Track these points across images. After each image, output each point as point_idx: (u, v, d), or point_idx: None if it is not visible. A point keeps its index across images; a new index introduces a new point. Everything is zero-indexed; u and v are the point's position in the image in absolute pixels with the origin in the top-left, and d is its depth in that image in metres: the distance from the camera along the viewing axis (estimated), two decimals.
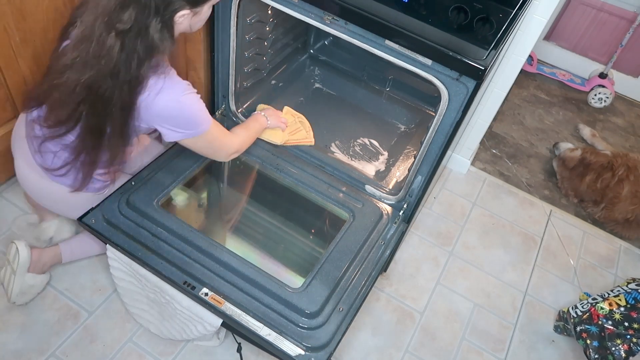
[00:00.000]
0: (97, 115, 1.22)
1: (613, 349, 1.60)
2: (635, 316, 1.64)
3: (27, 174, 1.44)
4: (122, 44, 1.13)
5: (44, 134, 1.32)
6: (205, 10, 1.25)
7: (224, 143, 1.46)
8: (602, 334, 1.63)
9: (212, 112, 1.83)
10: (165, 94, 1.22)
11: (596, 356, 1.63)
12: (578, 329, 1.68)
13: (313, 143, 1.78)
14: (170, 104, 1.24)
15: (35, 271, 1.54)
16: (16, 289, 1.51)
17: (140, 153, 1.65)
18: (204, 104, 1.32)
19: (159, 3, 1.12)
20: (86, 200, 1.45)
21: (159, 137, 1.88)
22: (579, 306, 1.74)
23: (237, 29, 1.56)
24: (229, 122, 1.79)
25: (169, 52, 1.21)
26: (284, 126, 1.74)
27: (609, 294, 1.74)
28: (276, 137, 1.71)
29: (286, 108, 1.84)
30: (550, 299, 1.93)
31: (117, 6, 1.11)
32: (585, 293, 1.94)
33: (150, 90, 1.20)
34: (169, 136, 1.31)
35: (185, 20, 1.20)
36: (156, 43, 1.15)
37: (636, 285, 1.77)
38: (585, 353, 1.66)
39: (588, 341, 1.65)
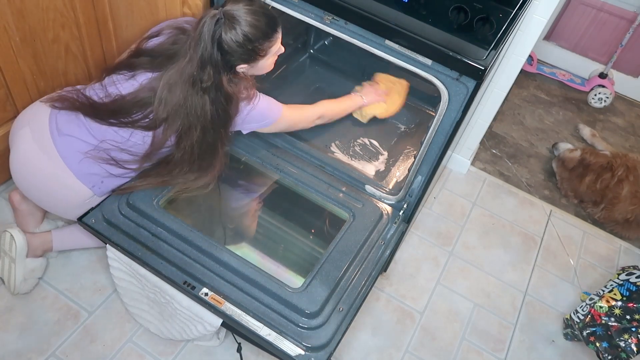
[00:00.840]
0: (207, 147, 1.45)
1: (623, 345, 1.59)
2: (634, 307, 1.63)
3: (36, 158, 1.41)
4: (210, 99, 1.35)
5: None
6: (262, 63, 1.41)
7: (301, 119, 1.65)
8: (609, 332, 1.62)
9: None
10: (252, 109, 1.47)
11: (609, 357, 1.62)
12: (585, 333, 1.68)
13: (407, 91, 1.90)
14: (253, 112, 1.48)
15: (32, 255, 1.56)
16: (19, 276, 1.52)
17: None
18: (271, 99, 1.53)
19: (224, 62, 1.33)
20: (89, 201, 1.46)
21: None
22: (579, 310, 1.73)
23: None
24: None
25: (244, 88, 1.44)
26: (384, 99, 1.87)
27: (603, 291, 1.74)
28: (382, 111, 1.85)
29: (379, 75, 1.93)
30: (550, 299, 1.93)
31: (198, 69, 1.32)
32: (585, 293, 1.94)
33: (241, 113, 1.46)
34: (246, 129, 1.53)
35: (245, 70, 1.41)
36: (231, 91, 1.38)
37: (626, 275, 1.76)
38: (598, 356, 1.66)
39: (597, 344, 1.64)
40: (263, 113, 1.51)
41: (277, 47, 1.42)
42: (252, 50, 1.34)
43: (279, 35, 1.39)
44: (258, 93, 1.48)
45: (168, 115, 1.37)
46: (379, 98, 1.87)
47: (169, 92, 1.35)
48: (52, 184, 1.43)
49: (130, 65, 1.44)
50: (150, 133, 1.40)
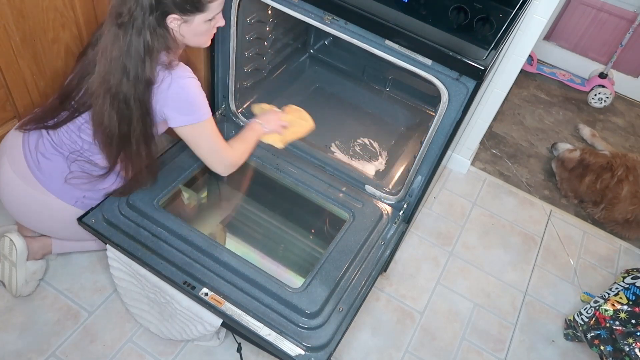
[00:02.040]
0: (122, 117, 1.29)
1: (627, 349, 1.58)
2: (639, 312, 1.63)
3: (19, 188, 1.44)
4: (125, 39, 1.20)
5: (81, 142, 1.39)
6: (197, 24, 1.28)
7: (223, 147, 1.43)
8: (613, 335, 1.62)
9: (213, 112, 1.83)
10: (174, 82, 1.28)
11: None
12: (589, 336, 1.67)
13: (313, 127, 1.71)
14: (176, 87, 1.29)
15: (32, 258, 1.56)
16: (20, 279, 1.52)
17: None
18: (204, 94, 1.35)
19: (155, 3, 1.19)
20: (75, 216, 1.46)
21: None
22: (584, 312, 1.73)
23: (237, 29, 1.56)
24: (229, 122, 1.79)
25: (171, 51, 1.28)
26: (281, 130, 1.66)
27: (608, 294, 1.74)
28: (276, 141, 1.67)
29: (290, 107, 1.79)
30: (550, 299, 1.93)
31: (119, 2, 1.19)
32: (585, 293, 1.94)
33: (161, 83, 1.27)
34: (173, 121, 1.34)
35: (176, 25, 1.26)
36: (152, 43, 1.22)
37: (632, 278, 1.76)
38: None
39: (602, 347, 1.64)
40: (188, 99, 1.31)
41: (218, 8, 1.29)
42: None
43: None
44: (183, 67, 1.31)
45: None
46: (277, 128, 1.64)
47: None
48: (37, 208, 1.46)
49: (87, 45, 1.41)
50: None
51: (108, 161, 1.38)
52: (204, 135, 1.38)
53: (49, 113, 1.41)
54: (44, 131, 1.42)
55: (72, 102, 1.38)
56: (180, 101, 1.31)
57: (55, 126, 1.40)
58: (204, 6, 1.25)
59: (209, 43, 1.38)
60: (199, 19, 1.27)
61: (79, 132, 1.39)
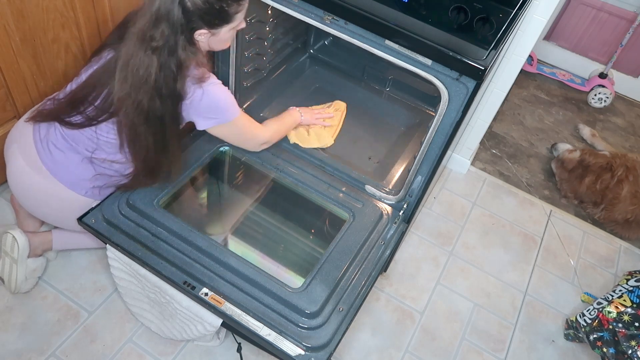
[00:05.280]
0: (156, 132, 1.33)
1: (630, 352, 1.58)
2: None
3: (29, 176, 1.44)
4: (159, 62, 1.23)
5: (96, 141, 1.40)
6: (224, 33, 1.32)
7: (254, 133, 1.56)
8: (616, 338, 1.61)
9: None
10: (206, 94, 1.34)
11: None
12: (591, 337, 1.67)
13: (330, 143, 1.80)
14: (207, 96, 1.34)
15: (33, 255, 1.56)
16: (20, 276, 1.52)
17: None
18: (232, 95, 1.42)
19: (183, 22, 1.22)
20: (85, 206, 1.46)
21: None
22: (586, 313, 1.72)
23: None
24: None
25: (197, 64, 1.31)
26: (320, 122, 1.81)
27: (612, 296, 1.73)
28: (303, 140, 1.75)
29: (337, 104, 1.92)
30: (550, 299, 1.93)
31: (151, 24, 1.21)
32: (585, 293, 1.94)
33: (192, 95, 1.32)
34: (201, 124, 1.41)
35: (204, 38, 1.30)
36: (183, 58, 1.25)
37: (635, 281, 1.76)
38: None
39: (604, 349, 1.63)
40: (219, 105, 1.39)
41: (242, 16, 1.33)
42: (218, 12, 1.24)
43: (247, 3, 1.32)
44: (212, 77, 1.36)
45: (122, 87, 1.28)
46: (314, 120, 1.79)
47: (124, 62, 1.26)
48: (46, 198, 1.45)
49: (103, 46, 1.41)
50: (113, 122, 1.35)
51: (135, 164, 1.40)
52: (235, 130, 1.49)
53: (60, 112, 1.40)
54: (55, 123, 1.41)
55: (88, 109, 1.37)
56: (210, 109, 1.38)
57: (68, 125, 1.39)
58: (231, 17, 1.29)
59: (229, 44, 1.42)
60: (225, 29, 1.31)
61: (97, 135, 1.39)
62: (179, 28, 1.21)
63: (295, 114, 1.74)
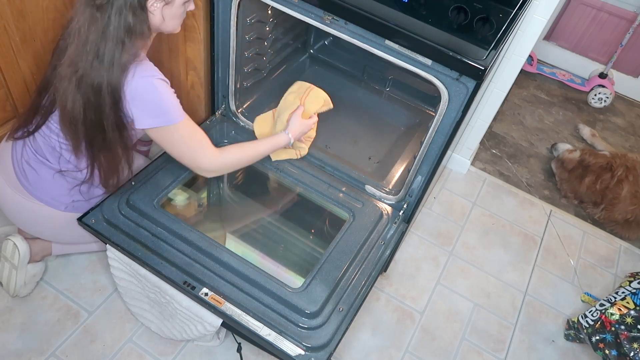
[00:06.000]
0: (89, 103, 1.22)
1: (632, 354, 1.57)
2: None
3: (12, 197, 1.44)
4: (102, 22, 1.14)
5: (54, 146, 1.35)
6: (177, 5, 1.25)
7: (199, 154, 1.36)
8: (618, 340, 1.61)
9: (212, 112, 1.83)
10: (137, 75, 1.22)
11: None
12: (594, 339, 1.67)
13: (332, 106, 1.69)
14: (141, 85, 1.23)
15: (32, 261, 1.56)
16: (20, 281, 1.52)
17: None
18: (177, 100, 1.30)
19: None
20: (71, 220, 1.46)
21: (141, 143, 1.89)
22: (589, 314, 1.72)
23: (237, 29, 1.56)
24: (229, 122, 1.79)
25: (142, 40, 1.24)
26: (310, 130, 1.66)
27: (615, 298, 1.72)
28: (289, 154, 1.65)
29: (300, 86, 1.66)
30: (550, 299, 1.93)
31: None
32: (585, 293, 1.94)
33: (127, 75, 1.21)
34: (139, 122, 1.28)
35: (157, 9, 1.22)
36: (133, 24, 1.17)
37: (638, 283, 1.76)
38: None
39: (607, 351, 1.63)
40: (156, 102, 1.25)
41: None
42: None
43: None
44: (154, 68, 1.26)
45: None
46: (305, 129, 1.62)
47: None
48: (33, 217, 1.47)
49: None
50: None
51: (75, 153, 1.32)
52: (175, 138, 1.32)
53: (32, 113, 1.38)
54: (27, 139, 1.40)
55: (43, 102, 1.34)
56: (146, 102, 1.25)
57: (34, 130, 1.38)
58: None
59: (179, 29, 1.34)
60: (178, 0, 1.25)
61: (49, 132, 1.36)
62: None
63: (282, 139, 1.55)
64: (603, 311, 1.67)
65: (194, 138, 1.35)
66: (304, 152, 1.69)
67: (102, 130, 1.26)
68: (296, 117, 1.59)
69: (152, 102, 1.26)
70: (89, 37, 1.16)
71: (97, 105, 1.22)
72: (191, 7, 1.33)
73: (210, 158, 1.38)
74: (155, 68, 1.28)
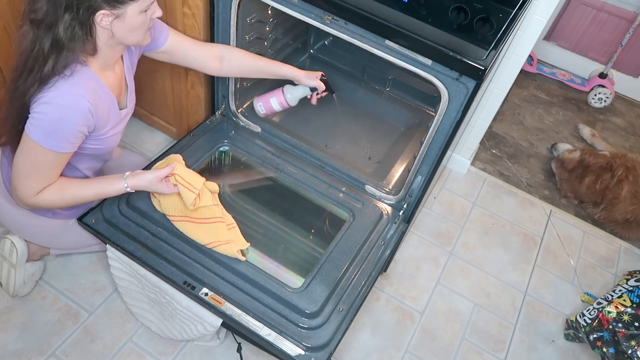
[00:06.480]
0: (23, 120, 1.18)
1: (630, 352, 1.57)
2: None
3: (4, 207, 1.44)
4: (34, 36, 1.10)
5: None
6: (130, 17, 1.14)
7: (24, 185, 1.23)
8: (616, 338, 1.61)
9: (212, 112, 1.83)
10: (54, 88, 1.14)
11: None
12: (591, 337, 1.67)
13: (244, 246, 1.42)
14: (48, 98, 1.13)
15: (31, 260, 1.56)
16: (19, 280, 1.52)
17: (117, 165, 1.64)
18: (72, 130, 1.17)
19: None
20: (65, 228, 1.46)
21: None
22: (586, 313, 1.72)
23: (237, 29, 1.56)
24: (229, 122, 1.79)
25: (83, 55, 1.16)
26: (161, 190, 1.35)
27: (612, 296, 1.73)
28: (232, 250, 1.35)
29: (174, 161, 1.40)
30: (550, 299, 1.93)
31: None
32: (585, 293, 1.94)
33: (50, 88, 1.13)
34: (27, 126, 1.17)
35: (106, 22, 1.12)
36: (62, 40, 1.09)
37: (635, 281, 1.76)
38: None
39: (604, 349, 1.64)
40: (48, 120, 1.14)
41: None
42: None
43: None
44: (78, 85, 1.14)
45: None
46: (167, 189, 1.36)
47: None
48: (25, 225, 1.47)
49: None
50: None
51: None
52: (23, 150, 1.19)
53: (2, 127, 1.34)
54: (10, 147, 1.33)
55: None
56: (41, 113, 1.14)
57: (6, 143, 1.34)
58: None
59: (149, 40, 1.25)
60: (132, 10, 1.13)
61: None
62: (63, 4, 1.06)
63: (116, 185, 1.32)
64: (600, 309, 1.68)
65: (34, 169, 1.21)
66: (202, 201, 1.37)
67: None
68: (150, 172, 1.35)
69: (50, 117, 1.15)
70: (22, 50, 1.13)
71: (24, 117, 1.17)
72: (158, 13, 1.21)
73: (25, 196, 1.24)
74: (80, 85, 1.16)
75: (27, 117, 1.17)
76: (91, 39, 1.14)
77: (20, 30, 1.13)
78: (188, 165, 1.49)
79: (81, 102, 1.16)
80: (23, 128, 1.18)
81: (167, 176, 1.35)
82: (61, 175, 1.28)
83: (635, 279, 1.77)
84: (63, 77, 1.13)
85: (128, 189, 1.33)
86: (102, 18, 1.11)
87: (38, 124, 1.15)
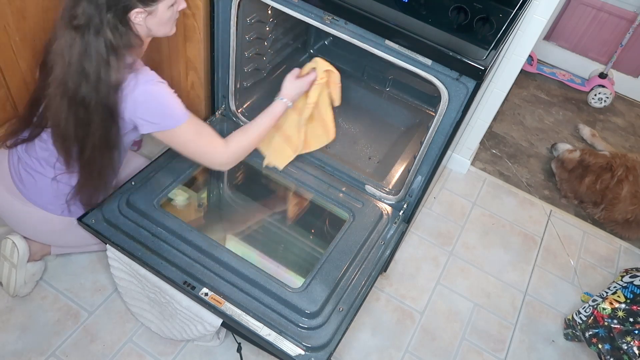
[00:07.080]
0: (79, 120, 1.23)
1: (625, 347, 1.58)
2: (637, 310, 1.63)
3: (10, 202, 1.45)
4: (82, 42, 1.15)
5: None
6: (161, 12, 1.23)
7: (207, 150, 1.35)
8: (611, 334, 1.62)
9: (212, 112, 1.83)
10: (140, 83, 1.23)
11: (611, 359, 1.62)
12: (587, 334, 1.67)
13: (332, 138, 1.66)
14: (144, 93, 1.23)
15: (32, 260, 1.57)
16: (20, 280, 1.52)
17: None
18: (178, 100, 1.30)
19: (113, 0, 1.13)
20: (72, 225, 1.46)
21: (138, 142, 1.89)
22: (582, 311, 1.73)
23: (237, 29, 1.56)
24: (229, 122, 1.79)
25: (134, 50, 1.23)
26: (306, 87, 1.50)
27: (607, 292, 1.74)
28: (282, 158, 1.59)
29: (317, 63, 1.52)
30: (550, 299, 1.93)
31: (72, 2, 1.13)
32: (585, 293, 1.94)
33: (127, 87, 1.22)
34: (145, 128, 1.29)
35: (141, 19, 1.20)
36: (115, 42, 1.16)
37: (630, 277, 1.76)
38: (600, 358, 1.65)
39: (600, 346, 1.64)
40: (161, 108, 1.26)
41: None
42: None
43: None
44: (148, 71, 1.25)
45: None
46: (300, 89, 1.49)
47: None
48: (30, 220, 1.47)
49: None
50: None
51: (67, 166, 1.34)
52: (182, 139, 1.32)
53: (23, 124, 1.39)
54: (24, 145, 1.41)
55: (35, 118, 1.36)
56: (150, 109, 1.26)
57: (28, 139, 1.39)
58: None
59: (174, 30, 1.33)
60: (162, 6, 1.22)
61: (44, 143, 1.37)
62: (104, 5, 1.12)
63: (278, 107, 1.46)
64: (595, 306, 1.68)
65: (201, 136, 1.34)
66: (330, 135, 1.62)
67: (92, 145, 1.27)
68: (288, 79, 1.49)
69: (155, 108, 1.26)
70: (72, 59, 1.17)
71: (88, 122, 1.23)
72: (182, 5, 1.30)
73: (220, 153, 1.37)
74: (153, 72, 1.27)
75: (113, 119, 1.24)
76: (135, 35, 1.22)
77: (59, 41, 1.16)
78: (187, 167, 1.54)
79: (160, 83, 1.26)
80: (110, 127, 1.25)
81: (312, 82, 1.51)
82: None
83: (630, 275, 1.78)
84: (134, 72, 1.22)
85: (289, 103, 1.48)
86: (136, 15, 1.18)
87: (167, 113, 1.26)
